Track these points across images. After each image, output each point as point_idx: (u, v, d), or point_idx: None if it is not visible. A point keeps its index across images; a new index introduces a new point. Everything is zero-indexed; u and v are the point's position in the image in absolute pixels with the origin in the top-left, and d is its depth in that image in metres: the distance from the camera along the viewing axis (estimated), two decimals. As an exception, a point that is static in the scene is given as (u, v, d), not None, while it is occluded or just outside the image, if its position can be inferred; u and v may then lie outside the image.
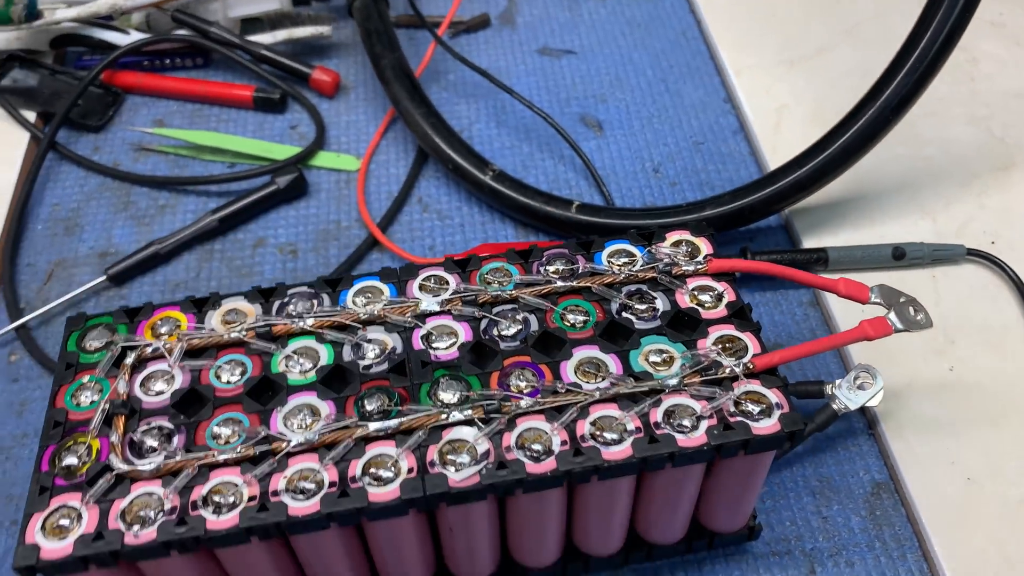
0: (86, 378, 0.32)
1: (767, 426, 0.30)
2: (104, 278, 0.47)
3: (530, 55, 0.60)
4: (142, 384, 0.32)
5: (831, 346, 0.34)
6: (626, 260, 0.36)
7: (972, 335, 0.44)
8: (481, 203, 0.51)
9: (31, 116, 0.56)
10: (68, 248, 0.50)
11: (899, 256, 0.46)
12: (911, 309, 0.35)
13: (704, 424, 0.30)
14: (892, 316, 0.34)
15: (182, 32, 0.58)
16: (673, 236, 0.37)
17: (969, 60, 0.57)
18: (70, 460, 0.30)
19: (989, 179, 0.50)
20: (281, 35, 0.58)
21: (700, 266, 0.35)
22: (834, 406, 0.39)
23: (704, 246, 0.36)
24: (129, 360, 0.32)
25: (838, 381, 0.40)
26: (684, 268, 0.35)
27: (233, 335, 0.33)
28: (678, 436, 0.30)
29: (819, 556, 0.38)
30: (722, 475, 0.33)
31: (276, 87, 0.57)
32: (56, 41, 0.58)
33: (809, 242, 0.48)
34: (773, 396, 0.31)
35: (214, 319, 0.34)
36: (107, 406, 0.31)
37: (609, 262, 0.36)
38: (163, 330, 0.34)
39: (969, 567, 0.36)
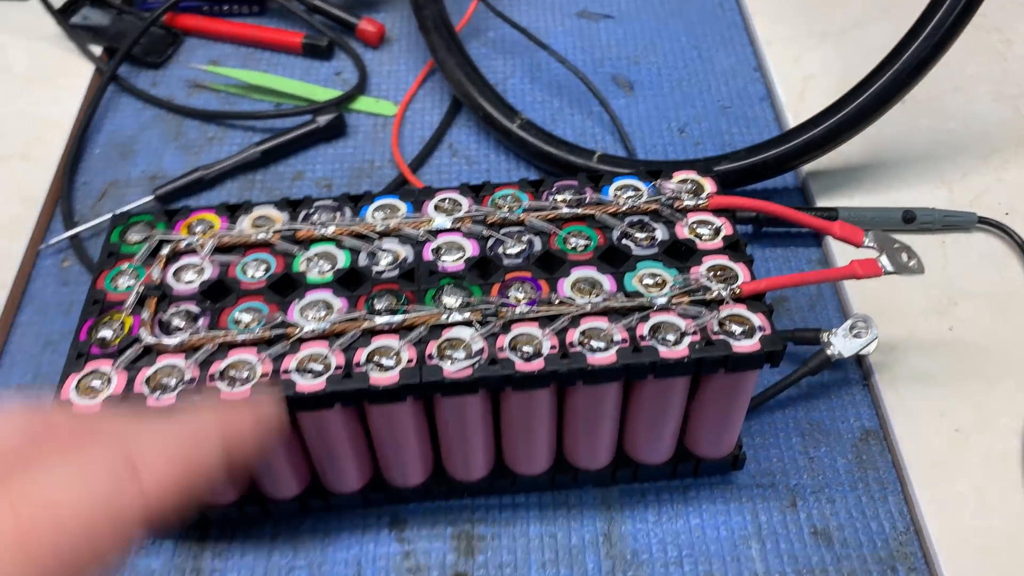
0: (125, 266, 0.35)
1: (748, 345, 0.32)
2: (152, 198, 0.51)
3: (569, 17, 0.62)
4: (174, 274, 0.35)
5: (819, 279, 0.36)
6: (632, 194, 0.38)
7: (975, 299, 0.44)
8: (509, 152, 0.54)
9: (98, 51, 0.59)
10: (121, 171, 0.53)
11: (909, 219, 0.47)
12: (904, 255, 0.36)
13: (687, 339, 0.32)
14: (883, 259, 0.36)
15: (240, -21, 0.61)
16: (680, 175, 0.39)
17: (1003, 41, 0.57)
18: (105, 333, 0.33)
19: (1010, 154, 0.51)
20: (332, -14, 0.61)
21: (701, 201, 0.37)
22: (828, 352, 0.41)
23: (708, 185, 0.38)
24: (164, 252, 0.36)
25: (834, 329, 0.41)
26: (686, 202, 0.37)
27: (260, 236, 0.36)
28: (661, 348, 0.32)
29: (802, 491, 0.39)
30: (706, 396, 0.35)
31: (324, 35, 0.60)
32: (124, -17, 0.62)
33: (823, 203, 0.49)
34: (757, 320, 0.33)
35: (245, 222, 0.37)
36: (141, 289, 0.34)
37: (615, 194, 0.38)
38: (198, 229, 0.37)
39: (948, 511, 0.38)
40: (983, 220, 0.47)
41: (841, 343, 0.41)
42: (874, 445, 0.41)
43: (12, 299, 0.47)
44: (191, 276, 0.35)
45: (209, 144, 0.55)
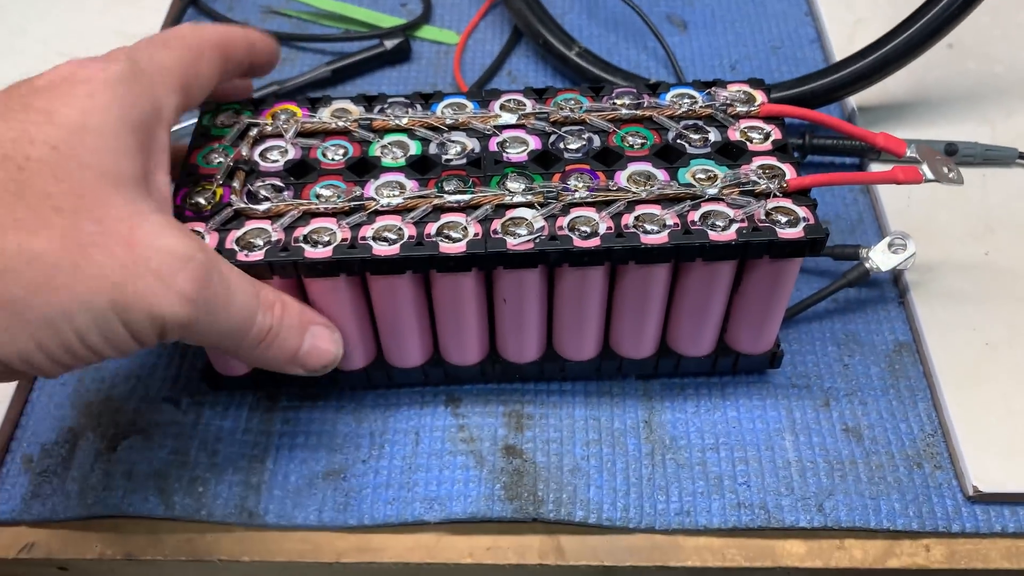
0: (216, 145, 0.38)
1: (792, 232, 0.34)
2: (229, 108, 0.54)
3: (627, -40, 0.64)
4: (261, 154, 0.38)
5: (862, 180, 0.37)
6: (688, 101, 0.40)
7: (1012, 229, 0.46)
8: (566, 79, 0.56)
9: (177, -24, 0.62)
10: (199, 85, 0.56)
11: (951, 152, 0.48)
12: (945, 167, 0.38)
13: (735, 226, 0.34)
14: (924, 167, 0.37)
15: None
16: (733, 87, 0.40)
17: (1054, -7, 0.58)
18: (198, 199, 0.36)
19: (1054, 97, 0.52)
20: (401, -78, 0.63)
21: (753, 108, 0.39)
22: (867, 265, 0.42)
23: (760, 96, 0.40)
24: (253, 133, 0.38)
25: (873, 245, 0.43)
26: (739, 109, 0.39)
27: (340, 124, 0.39)
28: (710, 232, 0.34)
29: (835, 393, 0.41)
30: (749, 287, 0.37)
31: (392, -33, 0.62)
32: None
33: (868, 135, 0.50)
34: (802, 212, 0.35)
35: (325, 113, 0.39)
36: (231, 163, 0.37)
37: (672, 100, 0.40)
38: (282, 117, 0.39)
39: (975, 416, 0.39)
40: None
41: (879, 258, 0.42)
42: (907, 356, 0.42)
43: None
44: (276, 156, 0.38)
45: (282, 65, 0.57)
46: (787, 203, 0.35)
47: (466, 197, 0.35)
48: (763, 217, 0.35)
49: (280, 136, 0.38)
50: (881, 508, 0.38)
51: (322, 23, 0.60)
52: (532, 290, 0.36)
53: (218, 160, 0.37)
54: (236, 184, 0.36)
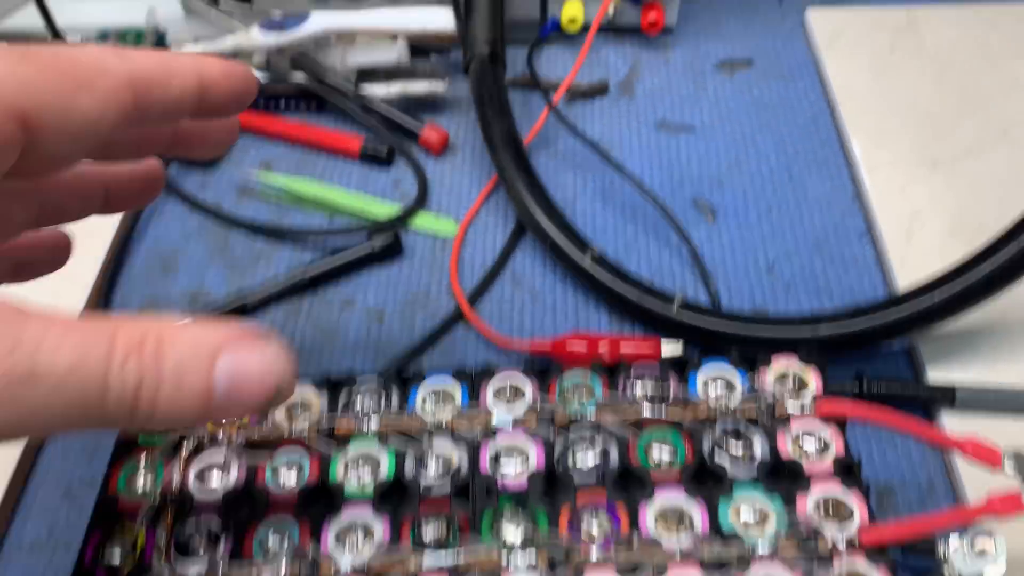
0: (142, 460, 0.31)
1: (867, 625, 0.26)
2: (190, 325, 0.47)
3: (646, 128, 0.57)
4: (200, 473, 0.31)
5: (953, 523, 0.29)
6: (723, 392, 0.32)
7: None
8: (577, 286, 0.49)
9: (146, 148, 0.56)
10: (161, 287, 0.50)
11: (1043, 409, 0.40)
12: (1054, 491, 0.30)
13: (795, 608, 0.27)
14: (1030, 494, 0.30)
15: (298, 76, 0.57)
16: (779, 363, 0.33)
17: None
18: (113, 555, 0.28)
19: None
20: (396, 88, 0.57)
21: (807, 409, 0.31)
22: (946, 573, 0.34)
23: (813, 379, 0.32)
24: (184, 452, 0.31)
25: (952, 542, 0.35)
26: (789, 410, 0.31)
27: (297, 428, 0.31)
28: (763, 620, 0.26)
29: None
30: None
31: (384, 142, 0.55)
32: (179, 75, 0.59)
33: (935, 373, 0.43)
34: (878, 580, 0.27)
35: (279, 409, 0.32)
36: (157, 500, 0.30)
37: (704, 388, 0.32)
38: (227, 413, 0.32)
39: None
40: None
41: (962, 563, 0.34)
42: None
43: (33, 438, 0.43)
44: (215, 480, 0.30)
45: (256, 262, 0.51)
46: (859, 562, 0.28)
47: (449, 560, 0.28)
48: (829, 589, 0.27)
49: (227, 443, 0.31)
50: None
51: (304, 208, 0.53)
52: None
53: (144, 488, 0.30)
54: (162, 537, 0.29)
